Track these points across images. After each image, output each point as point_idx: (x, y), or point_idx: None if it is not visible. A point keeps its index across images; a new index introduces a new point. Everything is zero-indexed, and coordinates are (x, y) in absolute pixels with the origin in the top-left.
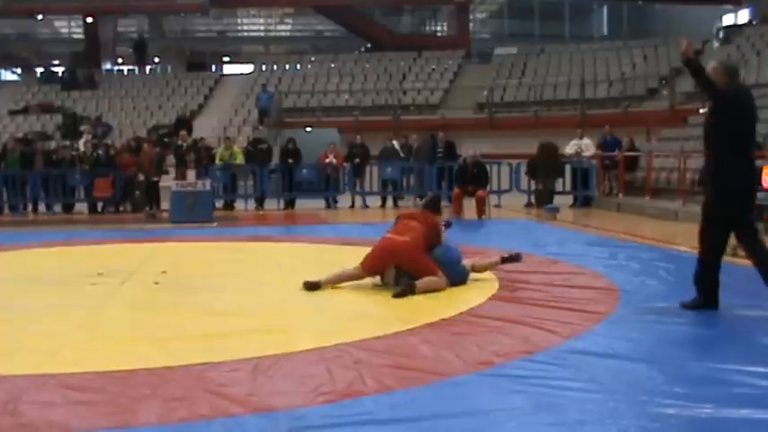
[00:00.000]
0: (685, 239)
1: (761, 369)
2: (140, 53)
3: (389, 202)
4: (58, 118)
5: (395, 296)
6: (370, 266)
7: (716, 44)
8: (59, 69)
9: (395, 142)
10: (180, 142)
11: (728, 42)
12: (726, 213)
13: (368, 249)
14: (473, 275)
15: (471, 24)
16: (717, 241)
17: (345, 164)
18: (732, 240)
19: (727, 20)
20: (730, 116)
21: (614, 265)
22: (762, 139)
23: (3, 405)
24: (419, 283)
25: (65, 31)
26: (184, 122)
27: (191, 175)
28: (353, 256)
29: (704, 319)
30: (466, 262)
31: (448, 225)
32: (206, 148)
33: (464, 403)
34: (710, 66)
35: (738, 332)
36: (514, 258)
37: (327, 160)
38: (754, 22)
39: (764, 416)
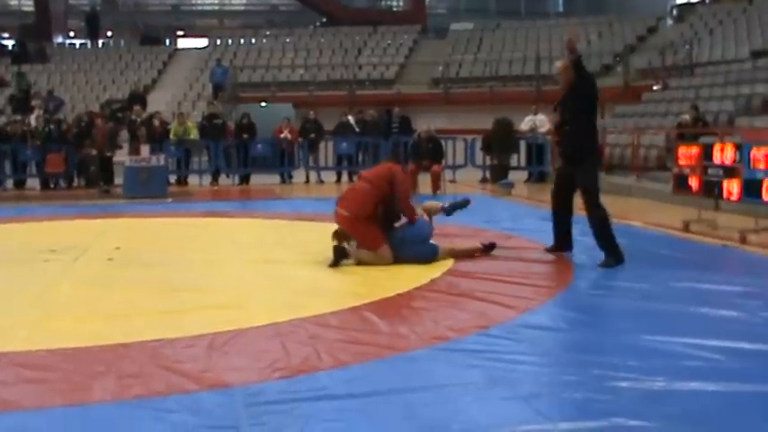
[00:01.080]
0: (639, 215)
1: (711, 342)
2: (93, 26)
3: (345, 177)
4: (8, 92)
5: (330, 266)
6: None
7: (669, 22)
8: (9, 42)
9: (350, 117)
10: (134, 117)
11: (681, 20)
12: (569, 167)
13: (323, 224)
14: None
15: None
16: (566, 195)
17: (300, 139)
18: (683, 216)
19: None
20: (593, 97)
21: None
22: (713, 117)
23: None
24: (358, 251)
25: (14, 2)
26: (138, 97)
27: (144, 150)
28: (309, 231)
29: (656, 294)
30: (446, 244)
31: (452, 209)
32: (161, 122)
33: (419, 378)
34: (561, 64)
35: (689, 306)
36: (491, 247)
37: (282, 135)
38: (707, 1)
39: (715, 388)
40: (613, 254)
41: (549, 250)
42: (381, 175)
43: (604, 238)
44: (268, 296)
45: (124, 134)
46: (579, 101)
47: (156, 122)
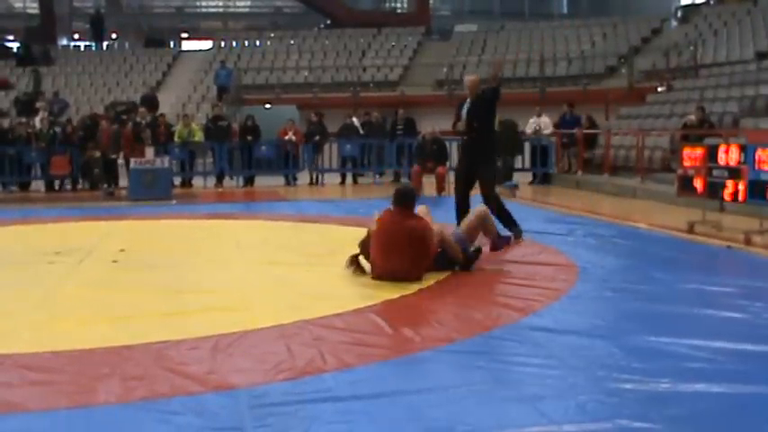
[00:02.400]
0: (643, 216)
1: (716, 344)
2: (97, 29)
3: (349, 179)
4: (13, 94)
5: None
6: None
7: (674, 23)
8: (14, 45)
9: (354, 119)
10: (138, 119)
11: (686, 21)
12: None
13: (327, 226)
14: None
15: (431, 1)
16: (466, 188)
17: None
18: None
19: None
20: (494, 107)
21: (573, 242)
22: (717, 118)
23: None
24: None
25: (19, 5)
26: (150, 99)
27: (149, 152)
28: (313, 233)
29: (661, 296)
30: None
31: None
32: (165, 125)
33: (424, 379)
34: (474, 77)
35: (694, 307)
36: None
37: (286, 137)
38: (711, 2)
39: (720, 389)
40: (516, 227)
41: None
42: (409, 231)
43: (505, 219)
44: (272, 298)
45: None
46: (486, 113)
47: (161, 125)
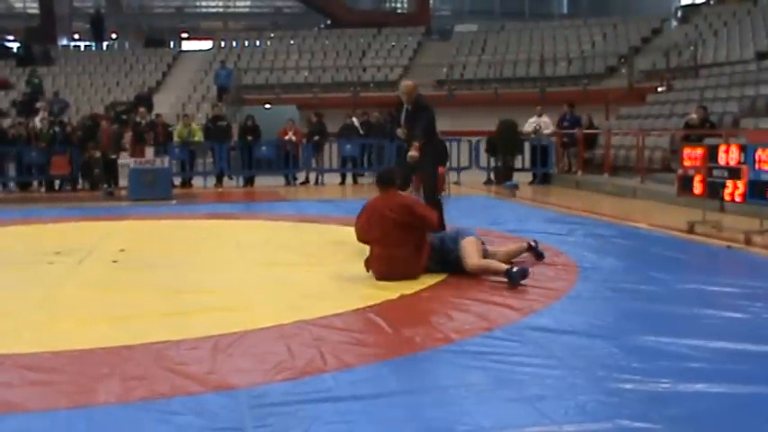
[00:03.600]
0: (643, 216)
1: (716, 344)
2: (97, 29)
3: (349, 179)
4: (13, 94)
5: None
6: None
7: (674, 23)
8: (14, 45)
9: (354, 119)
10: (138, 119)
11: (686, 22)
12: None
13: (327, 226)
14: None
15: (431, 1)
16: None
17: (304, 141)
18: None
19: None
20: (432, 113)
21: (573, 242)
22: (717, 118)
23: None
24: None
25: (19, 5)
26: (144, 99)
27: (149, 152)
28: (313, 233)
29: (661, 296)
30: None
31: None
32: (163, 125)
33: (424, 380)
34: (411, 83)
35: (694, 308)
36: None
37: (287, 137)
38: (711, 2)
39: (720, 389)
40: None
41: None
42: (393, 206)
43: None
44: (272, 298)
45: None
46: (423, 119)
47: (158, 125)
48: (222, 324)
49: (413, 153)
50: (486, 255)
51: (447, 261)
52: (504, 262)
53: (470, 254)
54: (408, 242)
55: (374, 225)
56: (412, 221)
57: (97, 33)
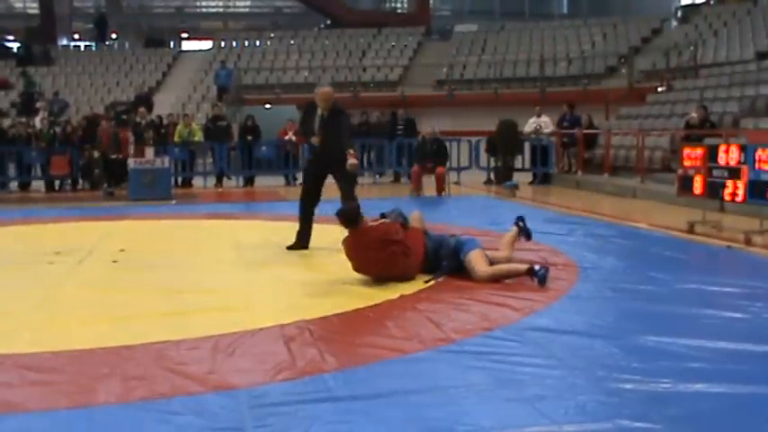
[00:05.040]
0: (643, 216)
1: (716, 344)
2: (102, 29)
3: None
4: (13, 94)
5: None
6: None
7: (674, 23)
8: (14, 45)
9: None
10: (138, 119)
11: (686, 22)
12: (324, 170)
13: (327, 226)
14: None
15: (431, 1)
16: (315, 197)
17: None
18: (688, 217)
19: None
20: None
21: (573, 242)
22: (717, 118)
23: None
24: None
25: (19, 5)
26: (144, 100)
27: (149, 152)
28: (313, 234)
29: (661, 296)
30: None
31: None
32: (173, 125)
33: (424, 380)
34: (329, 90)
35: (694, 308)
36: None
37: (287, 137)
38: (711, 2)
39: (720, 390)
40: (304, 242)
41: (291, 248)
42: (367, 241)
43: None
44: (272, 298)
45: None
46: (340, 125)
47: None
48: (222, 324)
49: (353, 162)
50: (491, 262)
51: (439, 266)
52: (510, 259)
53: (479, 264)
54: (397, 262)
55: (364, 264)
56: (395, 247)
57: (102, 34)
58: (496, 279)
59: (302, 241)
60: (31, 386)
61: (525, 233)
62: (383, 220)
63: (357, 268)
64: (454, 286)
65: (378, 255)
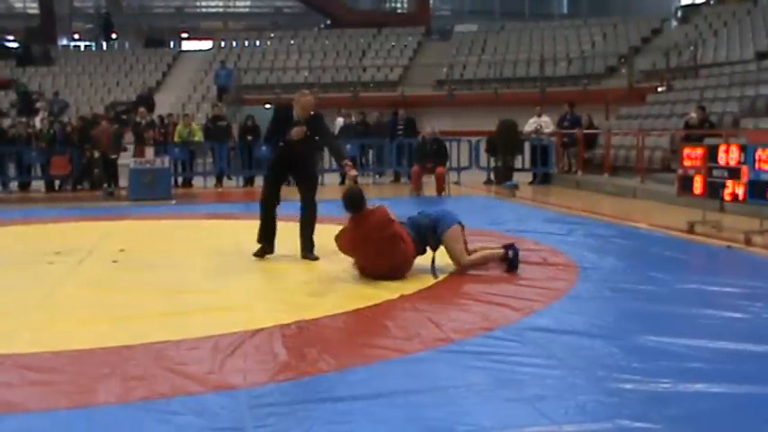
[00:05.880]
0: (643, 216)
1: (716, 344)
2: (107, 30)
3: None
4: (13, 94)
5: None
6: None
7: (674, 23)
8: (14, 45)
9: (340, 119)
10: (138, 119)
11: (686, 22)
12: (290, 171)
13: (327, 226)
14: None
15: (431, 1)
16: (277, 200)
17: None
18: (688, 217)
19: None
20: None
21: (573, 242)
22: (717, 118)
23: None
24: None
25: (19, 5)
26: (145, 100)
27: (149, 152)
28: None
29: (661, 296)
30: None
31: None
32: (173, 125)
33: (424, 380)
34: (311, 98)
35: (694, 308)
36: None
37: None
38: (711, 2)
39: (720, 390)
40: (311, 247)
41: (257, 255)
42: (369, 227)
43: (311, 231)
44: (272, 298)
45: (129, 136)
46: (320, 130)
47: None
48: (222, 324)
49: (354, 173)
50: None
51: (426, 244)
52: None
53: (459, 252)
54: (398, 244)
55: (367, 253)
56: (394, 228)
57: (107, 34)
58: (476, 267)
59: (269, 245)
60: (31, 386)
61: (510, 264)
62: (378, 204)
63: (361, 264)
64: (454, 286)
65: (380, 235)
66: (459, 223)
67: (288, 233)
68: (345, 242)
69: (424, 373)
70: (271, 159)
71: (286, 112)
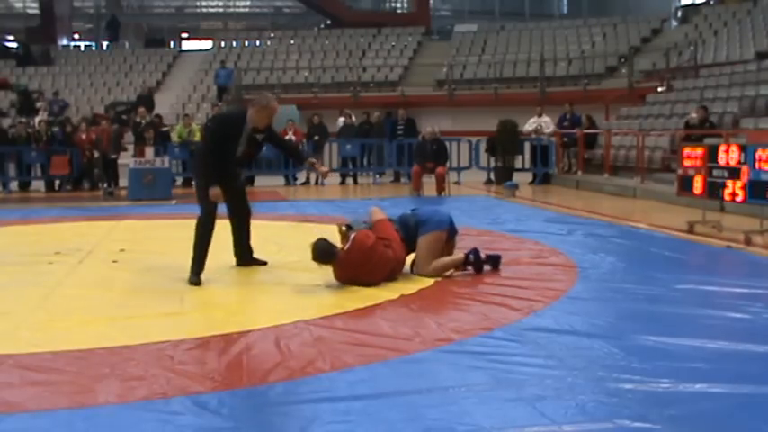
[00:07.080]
0: (643, 216)
1: (716, 344)
2: (114, 30)
3: (349, 179)
4: (13, 95)
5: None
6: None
7: (674, 23)
8: (14, 45)
9: (341, 119)
10: (138, 119)
11: (686, 22)
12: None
13: (328, 226)
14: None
15: (431, 1)
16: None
17: (304, 141)
18: (688, 217)
19: None
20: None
21: (573, 242)
22: (717, 118)
23: None
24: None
25: (19, 5)
26: (146, 99)
27: (149, 152)
28: (313, 234)
29: (661, 296)
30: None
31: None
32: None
33: (423, 380)
34: (275, 105)
35: (694, 308)
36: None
37: (287, 137)
38: (711, 2)
39: (720, 390)
40: (199, 267)
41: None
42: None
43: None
44: (272, 298)
45: (129, 136)
46: (274, 139)
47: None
48: (221, 324)
49: (325, 169)
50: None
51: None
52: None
53: (421, 261)
54: (388, 257)
55: (365, 279)
56: (377, 248)
57: (114, 35)
58: (438, 274)
59: (255, 260)
60: (30, 386)
61: (475, 267)
62: (353, 235)
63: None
64: (454, 286)
65: (368, 264)
66: (448, 230)
67: (290, 233)
68: (340, 276)
69: (423, 373)
70: (213, 178)
71: (235, 122)
